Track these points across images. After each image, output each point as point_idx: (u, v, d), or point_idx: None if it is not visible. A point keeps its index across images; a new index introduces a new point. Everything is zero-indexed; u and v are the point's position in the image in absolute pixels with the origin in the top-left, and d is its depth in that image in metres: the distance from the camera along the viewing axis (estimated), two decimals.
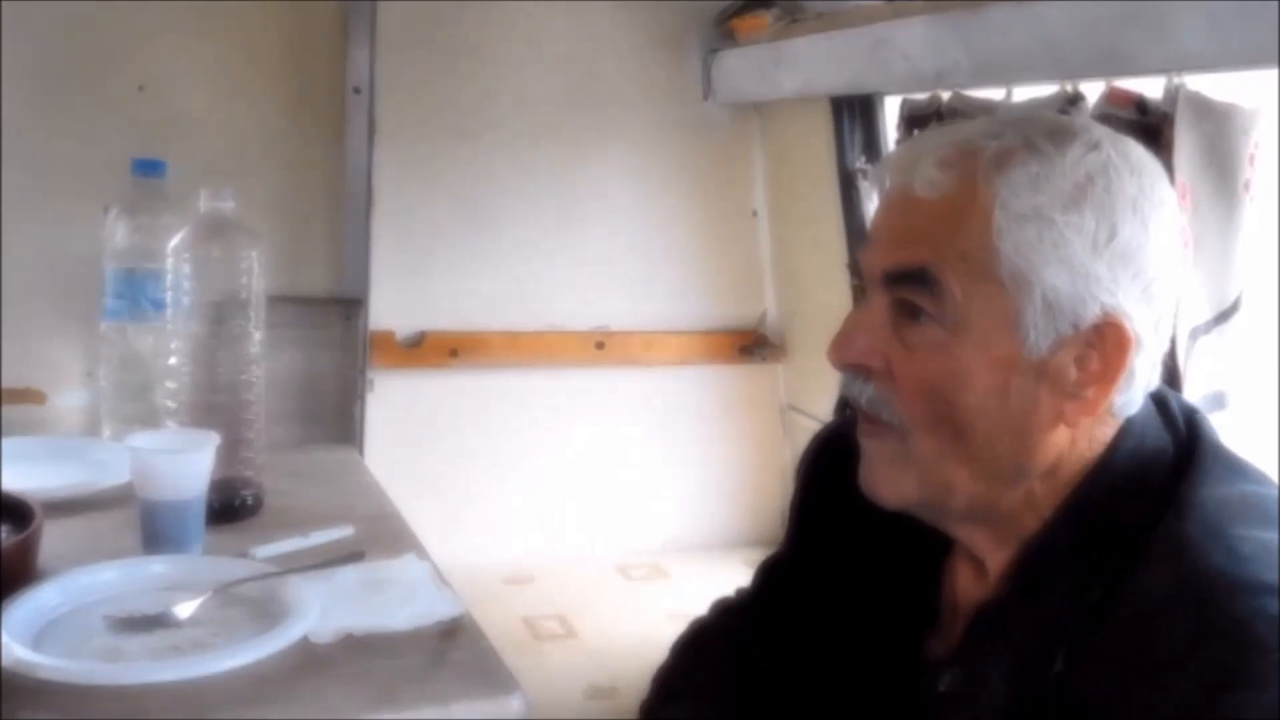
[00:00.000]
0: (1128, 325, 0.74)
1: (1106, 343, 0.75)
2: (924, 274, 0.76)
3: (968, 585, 0.84)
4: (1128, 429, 0.78)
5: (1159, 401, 0.81)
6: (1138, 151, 0.78)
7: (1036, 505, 0.78)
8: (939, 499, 0.79)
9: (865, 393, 0.79)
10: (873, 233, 0.82)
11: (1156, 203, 0.76)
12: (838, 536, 0.91)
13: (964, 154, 0.76)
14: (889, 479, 0.81)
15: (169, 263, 1.30)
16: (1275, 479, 0.79)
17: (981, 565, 0.83)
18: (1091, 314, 0.74)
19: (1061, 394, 0.75)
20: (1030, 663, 0.74)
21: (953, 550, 0.86)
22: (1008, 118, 0.81)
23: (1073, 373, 0.75)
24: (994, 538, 0.81)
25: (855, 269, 0.82)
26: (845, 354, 0.79)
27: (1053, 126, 0.78)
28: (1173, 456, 0.78)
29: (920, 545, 0.86)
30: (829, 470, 0.90)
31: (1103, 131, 0.78)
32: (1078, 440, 0.77)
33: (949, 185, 0.76)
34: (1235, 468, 0.78)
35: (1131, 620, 0.70)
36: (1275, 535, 0.71)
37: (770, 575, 1.02)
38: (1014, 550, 0.79)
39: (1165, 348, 0.79)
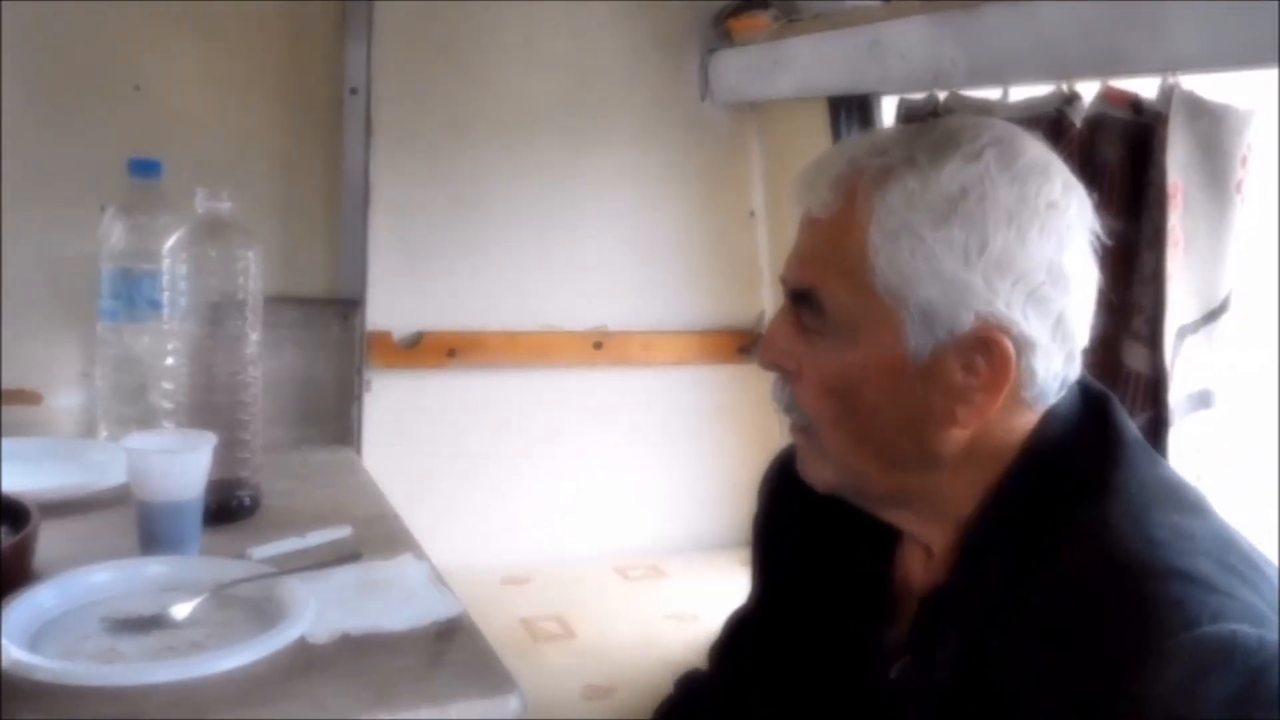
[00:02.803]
0: (1010, 333, 0.77)
1: (992, 352, 0.78)
2: (810, 295, 0.82)
3: (918, 572, 0.87)
4: (1052, 416, 0.81)
5: (1082, 388, 0.84)
6: (1026, 155, 0.80)
7: (964, 492, 0.82)
8: (858, 486, 0.85)
9: (783, 397, 0.86)
10: (790, 249, 0.87)
11: (1040, 209, 0.78)
12: (800, 549, 0.95)
13: (850, 173, 0.81)
14: (813, 468, 0.87)
15: (165, 263, 1.29)
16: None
17: (929, 550, 0.86)
18: (966, 322, 0.77)
19: (951, 397, 0.79)
20: (974, 645, 0.76)
21: (902, 540, 0.89)
22: (901, 134, 0.84)
23: (959, 377, 0.79)
24: (928, 521, 0.84)
25: (782, 279, 0.88)
26: (765, 356, 0.86)
27: (939, 139, 0.80)
28: (1088, 440, 0.80)
29: (873, 541, 0.90)
30: (787, 485, 0.93)
31: (992, 137, 0.80)
32: (990, 431, 0.80)
33: (836, 205, 0.81)
34: (1153, 455, 0.81)
35: (1052, 600, 0.72)
36: (1191, 521, 0.74)
37: (739, 628, 1.05)
38: (953, 533, 0.83)
39: (1080, 343, 0.81)
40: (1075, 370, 0.82)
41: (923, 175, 0.78)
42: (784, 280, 0.86)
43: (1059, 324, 0.79)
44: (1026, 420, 0.81)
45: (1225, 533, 0.75)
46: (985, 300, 0.77)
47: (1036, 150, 0.81)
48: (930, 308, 0.77)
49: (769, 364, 0.86)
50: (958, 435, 0.80)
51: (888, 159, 0.80)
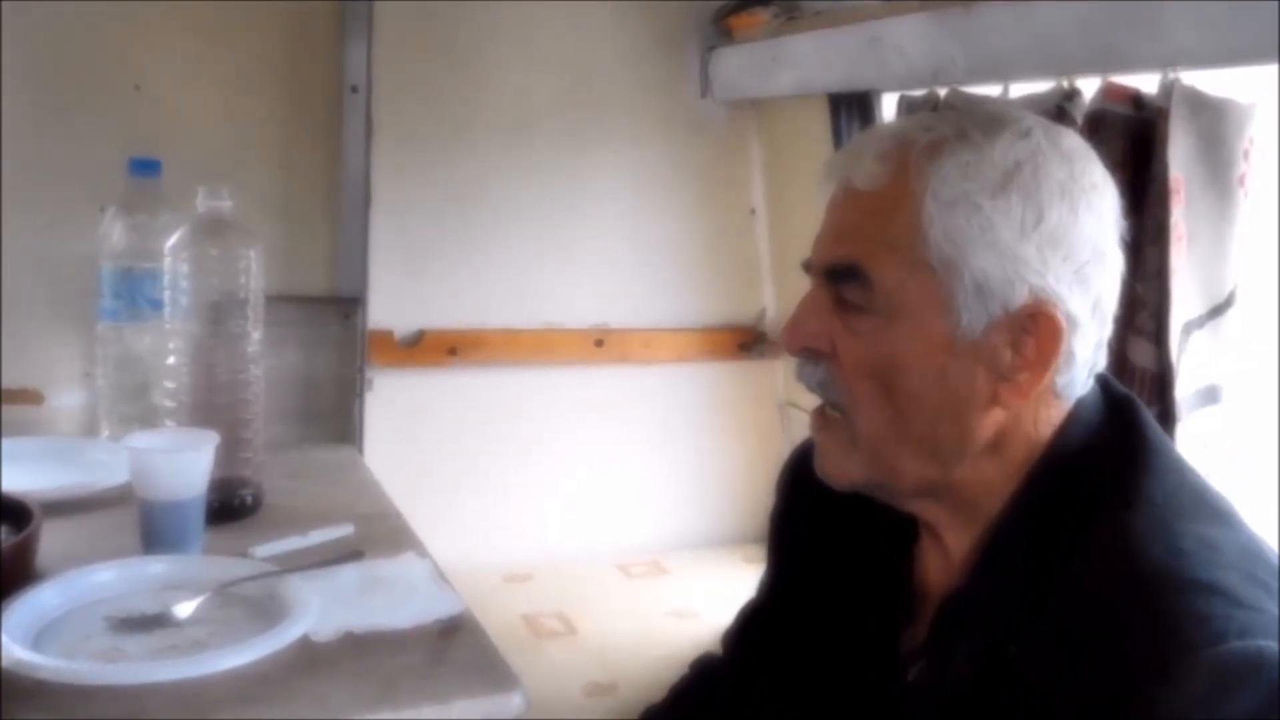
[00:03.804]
0: (1059, 309, 0.77)
1: (1040, 329, 0.77)
2: (855, 269, 0.80)
3: (936, 573, 0.86)
4: (1077, 413, 0.81)
5: (1102, 386, 0.84)
6: (1070, 139, 0.81)
7: (992, 487, 0.81)
8: (887, 479, 0.83)
9: (815, 375, 0.83)
10: (820, 229, 0.85)
11: (1087, 187, 0.79)
12: (817, 545, 0.94)
13: (900, 146, 0.80)
14: (837, 464, 0.84)
15: (166, 262, 1.29)
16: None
17: (947, 551, 0.85)
18: (1020, 296, 0.77)
19: (996, 376, 0.78)
20: (992, 650, 0.76)
21: (921, 540, 0.88)
22: (945, 113, 0.84)
23: (1007, 355, 0.78)
24: (953, 517, 0.83)
25: (808, 265, 0.86)
26: (795, 338, 0.84)
27: (986, 117, 0.81)
28: (1114, 442, 0.80)
29: (891, 539, 0.89)
30: (806, 479, 0.92)
31: (1035, 120, 0.81)
32: (1022, 420, 0.80)
33: (885, 177, 0.79)
34: (1181, 463, 0.80)
35: (1073, 608, 0.72)
36: (1218, 532, 0.73)
37: (749, 620, 1.04)
38: (975, 533, 0.82)
39: (1108, 330, 0.81)
40: (1102, 359, 0.82)
41: (976, 148, 0.78)
42: (814, 262, 0.84)
43: (1096, 305, 0.79)
44: (1055, 413, 0.80)
45: (1253, 545, 0.74)
46: (1038, 273, 0.76)
47: (1075, 136, 0.82)
48: (985, 279, 0.76)
49: (799, 348, 0.83)
50: (996, 417, 0.79)
51: (937, 133, 0.79)
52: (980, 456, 0.80)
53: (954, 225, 0.77)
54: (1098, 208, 0.79)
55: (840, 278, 0.81)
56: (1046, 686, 0.70)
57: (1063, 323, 0.77)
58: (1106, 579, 0.71)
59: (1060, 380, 0.79)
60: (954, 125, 0.79)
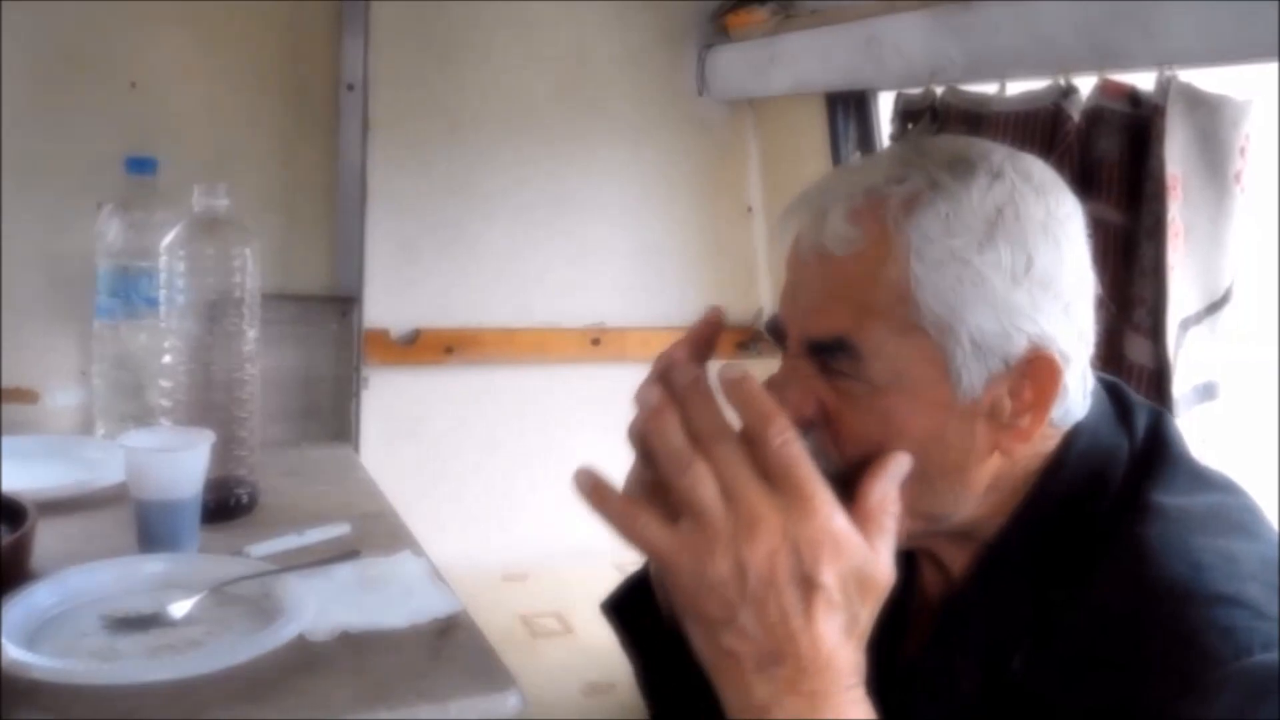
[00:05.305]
0: (1055, 350, 0.74)
1: (1038, 373, 0.74)
2: (843, 343, 0.75)
3: (934, 583, 0.85)
4: (1077, 431, 0.78)
5: (1117, 399, 0.81)
6: (1038, 169, 0.78)
7: (991, 512, 0.78)
8: None
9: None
10: (789, 291, 0.79)
11: (1063, 219, 0.76)
12: None
13: (871, 203, 0.74)
14: None
15: (162, 260, 1.29)
16: (1241, 483, 0.79)
17: (943, 565, 0.83)
18: (1019, 347, 0.74)
19: (998, 427, 0.75)
20: (994, 662, 0.74)
21: (914, 553, 0.86)
22: (907, 157, 0.78)
23: (1008, 405, 0.75)
24: (949, 541, 0.81)
25: (774, 328, 0.81)
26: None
27: (952, 159, 0.76)
28: (1130, 457, 0.78)
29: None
30: None
31: (1002, 154, 0.77)
32: (1017, 458, 0.77)
33: (861, 239, 0.74)
34: (1201, 475, 0.78)
35: (1089, 623, 0.70)
36: (1237, 544, 0.72)
37: None
38: (973, 550, 0.80)
39: (1091, 352, 0.79)
40: (1090, 382, 0.79)
41: (953, 197, 0.73)
42: (790, 334, 0.78)
43: (1082, 334, 0.77)
44: (1051, 438, 0.78)
45: (1273, 555, 0.72)
46: (1031, 319, 0.73)
47: (1042, 165, 0.79)
48: (982, 336, 0.73)
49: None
50: (994, 464, 0.76)
51: (909, 186, 0.74)
52: (976, 500, 0.78)
53: (944, 285, 0.72)
54: (1074, 236, 0.77)
55: (827, 351, 0.76)
56: (1059, 702, 0.69)
57: (1059, 362, 0.74)
58: (1124, 595, 0.70)
59: (1057, 413, 0.77)
60: (924, 174, 0.75)
